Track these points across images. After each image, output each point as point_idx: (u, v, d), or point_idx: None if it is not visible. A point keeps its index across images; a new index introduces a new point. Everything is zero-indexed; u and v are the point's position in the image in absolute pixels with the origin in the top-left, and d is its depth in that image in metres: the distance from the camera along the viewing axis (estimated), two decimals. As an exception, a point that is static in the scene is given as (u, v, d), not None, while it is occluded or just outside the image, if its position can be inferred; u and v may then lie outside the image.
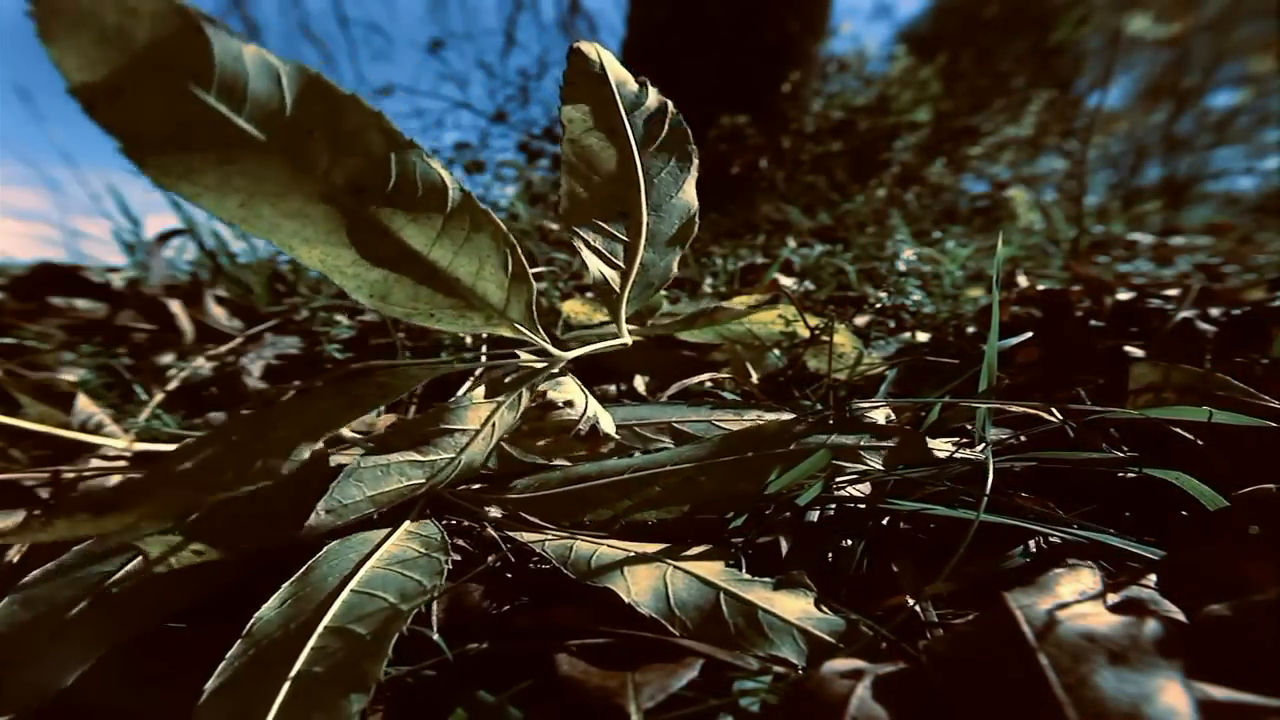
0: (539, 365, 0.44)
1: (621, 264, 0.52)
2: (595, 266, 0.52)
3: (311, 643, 0.32)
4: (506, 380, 0.43)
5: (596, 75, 0.49)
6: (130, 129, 0.28)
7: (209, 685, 0.31)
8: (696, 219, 0.55)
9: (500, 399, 0.43)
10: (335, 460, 0.51)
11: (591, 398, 0.53)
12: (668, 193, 0.54)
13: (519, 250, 0.39)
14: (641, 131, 0.52)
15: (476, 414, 0.42)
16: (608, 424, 0.52)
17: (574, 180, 0.51)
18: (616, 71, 0.51)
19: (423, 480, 0.38)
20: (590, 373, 0.79)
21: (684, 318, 0.72)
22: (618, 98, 0.50)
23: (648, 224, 0.52)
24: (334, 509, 0.37)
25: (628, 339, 0.54)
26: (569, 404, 0.50)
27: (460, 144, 3.42)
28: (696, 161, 0.54)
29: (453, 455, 0.40)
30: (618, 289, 0.53)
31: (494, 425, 0.44)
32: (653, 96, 0.52)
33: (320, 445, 0.50)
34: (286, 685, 0.30)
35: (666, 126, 0.53)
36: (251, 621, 0.35)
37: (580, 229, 0.50)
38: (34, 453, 0.64)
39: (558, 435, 0.49)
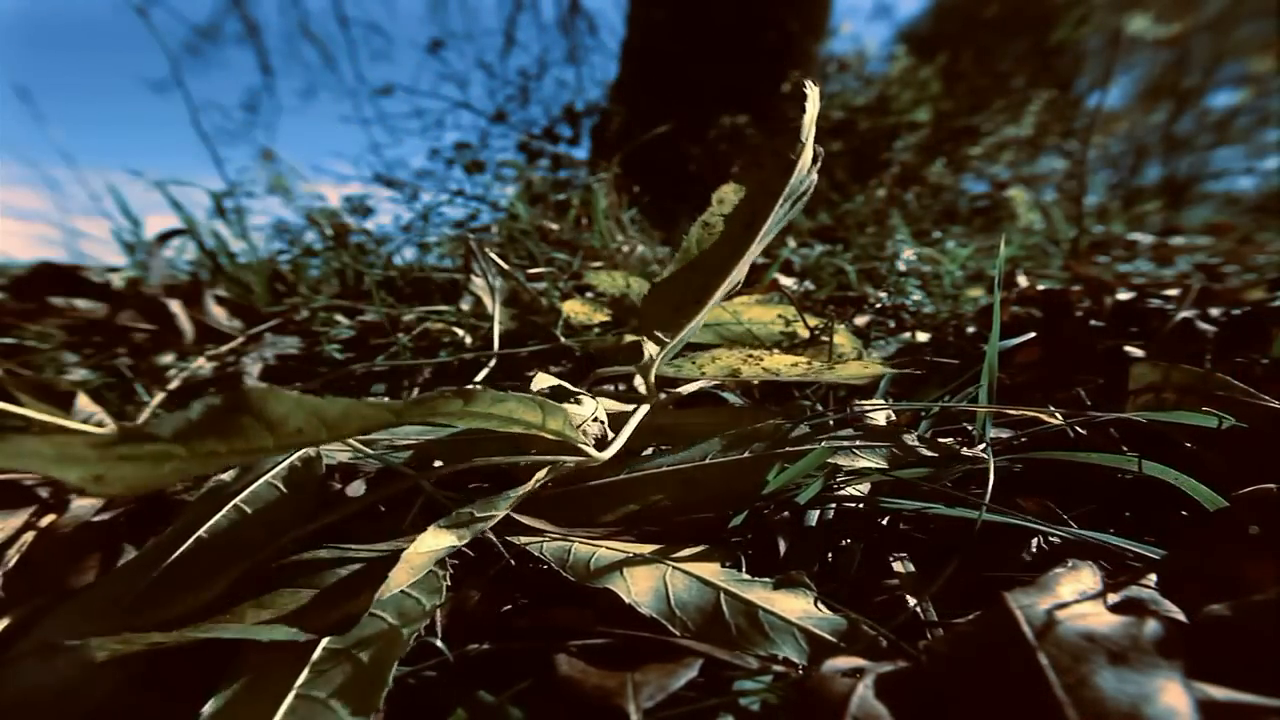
0: (572, 462, 0.45)
1: (664, 337, 0.52)
2: (649, 351, 0.52)
3: (314, 658, 0.32)
4: (539, 476, 0.43)
5: (784, 165, 0.46)
6: (125, 490, 0.29)
7: (205, 710, 0.30)
8: (741, 283, 0.54)
9: (527, 487, 0.43)
10: (327, 460, 0.51)
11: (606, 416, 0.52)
12: (739, 274, 0.52)
13: (545, 402, 0.39)
14: (774, 221, 0.49)
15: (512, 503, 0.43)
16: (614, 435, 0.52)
17: (680, 262, 0.49)
18: (807, 152, 0.47)
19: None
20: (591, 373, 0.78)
21: (701, 374, 0.69)
22: (787, 189, 0.47)
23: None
24: (391, 608, 0.36)
25: (657, 396, 0.54)
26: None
27: (460, 144, 3.41)
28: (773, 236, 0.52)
29: (473, 535, 0.40)
30: (654, 357, 0.53)
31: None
32: (810, 180, 0.49)
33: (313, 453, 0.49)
34: (284, 708, 0.29)
35: (790, 210, 0.50)
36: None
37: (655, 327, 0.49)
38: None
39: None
